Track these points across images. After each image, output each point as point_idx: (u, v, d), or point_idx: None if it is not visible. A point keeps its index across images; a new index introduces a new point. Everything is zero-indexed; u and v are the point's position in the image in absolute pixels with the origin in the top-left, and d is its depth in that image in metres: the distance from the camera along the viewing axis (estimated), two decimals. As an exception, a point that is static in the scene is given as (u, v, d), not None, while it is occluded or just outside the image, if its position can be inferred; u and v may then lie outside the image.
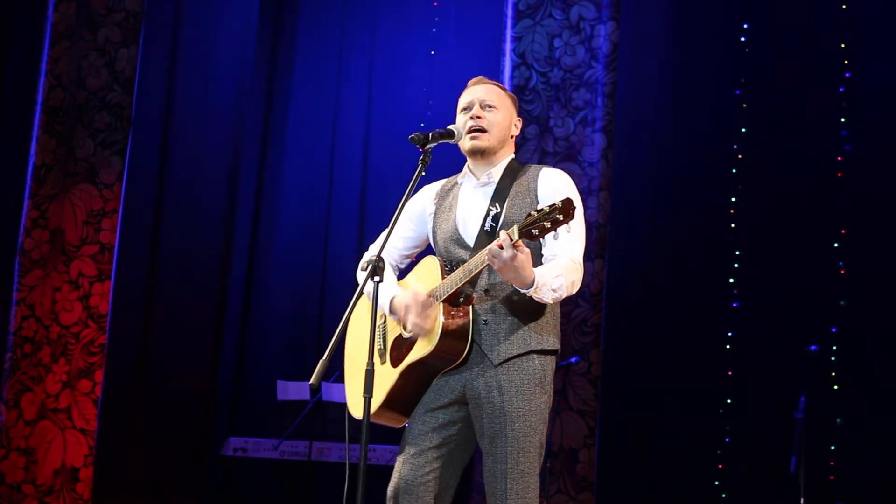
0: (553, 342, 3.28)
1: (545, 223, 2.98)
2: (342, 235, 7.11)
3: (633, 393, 6.23)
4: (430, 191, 3.56)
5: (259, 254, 7.23)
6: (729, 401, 6.16)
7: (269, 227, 7.27)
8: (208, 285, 6.71)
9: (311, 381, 3.08)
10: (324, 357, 3.07)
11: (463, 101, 3.46)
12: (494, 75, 6.70)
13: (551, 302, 3.17)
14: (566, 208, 2.97)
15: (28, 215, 6.75)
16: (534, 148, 6.57)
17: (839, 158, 6.24)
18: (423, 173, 3.37)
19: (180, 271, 6.68)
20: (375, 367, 3.36)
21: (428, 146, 3.29)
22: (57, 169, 6.81)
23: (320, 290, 7.09)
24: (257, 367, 7.02)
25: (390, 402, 3.31)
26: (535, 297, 3.12)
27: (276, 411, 6.24)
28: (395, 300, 3.31)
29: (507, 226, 3.23)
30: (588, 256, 6.38)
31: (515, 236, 3.01)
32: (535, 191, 3.32)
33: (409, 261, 3.60)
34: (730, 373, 6.20)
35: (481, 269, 3.14)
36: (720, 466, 6.11)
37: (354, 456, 3.12)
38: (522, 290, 3.12)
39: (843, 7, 6.39)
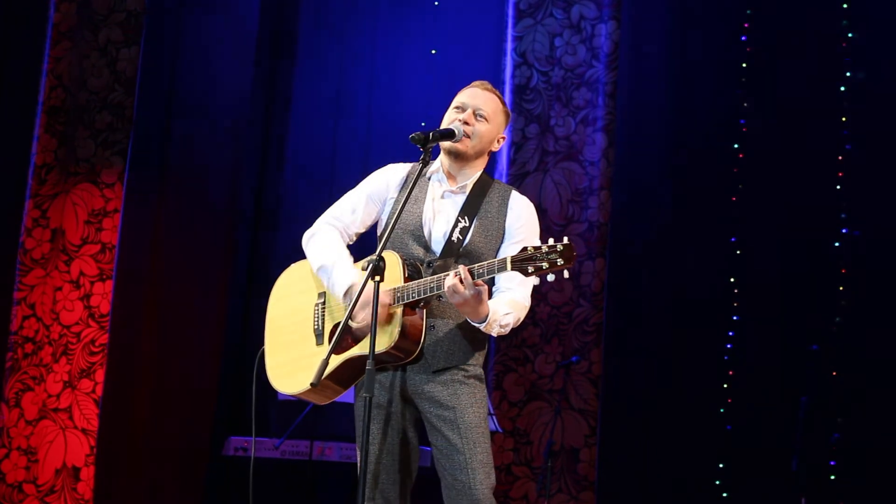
0: (478, 361, 3.33)
1: (542, 264, 2.98)
2: (343, 235, 7.09)
3: (634, 392, 6.22)
4: (395, 175, 3.53)
5: (261, 253, 7.21)
6: (730, 400, 6.16)
7: (271, 226, 7.25)
8: (210, 285, 6.70)
9: (312, 380, 3.09)
10: (325, 357, 3.08)
11: (458, 100, 3.46)
12: (495, 75, 6.71)
13: (495, 335, 3.25)
14: (568, 253, 2.96)
15: (29, 215, 6.74)
16: (535, 147, 6.57)
17: (840, 158, 6.24)
18: (424, 173, 3.36)
19: (181, 271, 6.67)
20: (307, 349, 3.38)
21: (428, 146, 3.30)
22: (58, 169, 6.81)
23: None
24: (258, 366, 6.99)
25: (324, 386, 3.29)
26: (483, 330, 3.19)
27: (277, 411, 6.23)
28: (353, 289, 3.28)
29: (473, 246, 3.29)
30: (589, 256, 6.39)
31: (473, 277, 3.04)
32: (505, 216, 3.37)
33: (356, 238, 3.58)
34: (731, 372, 6.20)
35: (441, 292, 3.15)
36: (721, 466, 6.10)
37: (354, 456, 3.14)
38: (474, 323, 3.19)
39: (845, 6, 6.39)
